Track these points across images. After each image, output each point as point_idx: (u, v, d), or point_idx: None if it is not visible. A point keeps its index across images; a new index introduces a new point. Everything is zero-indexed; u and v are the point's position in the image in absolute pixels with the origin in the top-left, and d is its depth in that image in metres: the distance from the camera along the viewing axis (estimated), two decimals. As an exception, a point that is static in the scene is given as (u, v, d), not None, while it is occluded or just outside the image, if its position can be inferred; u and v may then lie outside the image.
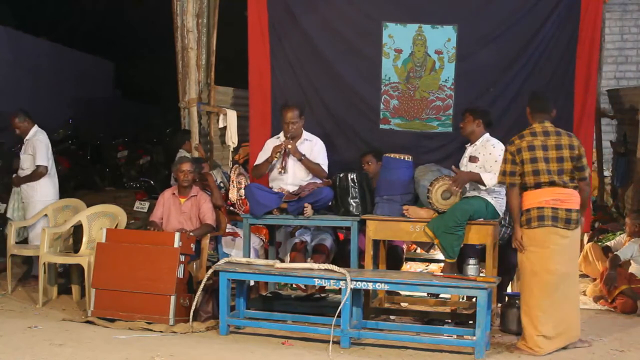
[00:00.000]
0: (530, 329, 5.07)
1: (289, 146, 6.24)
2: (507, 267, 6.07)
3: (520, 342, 5.15)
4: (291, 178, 6.31)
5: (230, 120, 8.01)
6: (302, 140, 6.37)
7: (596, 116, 6.95)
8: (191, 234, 6.12)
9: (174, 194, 6.51)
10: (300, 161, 6.27)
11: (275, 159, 6.28)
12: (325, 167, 6.34)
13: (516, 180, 5.17)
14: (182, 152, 7.86)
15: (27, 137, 7.33)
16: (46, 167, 7.24)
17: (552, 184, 5.08)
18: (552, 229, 5.05)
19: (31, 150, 7.25)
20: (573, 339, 5.16)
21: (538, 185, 5.10)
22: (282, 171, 6.28)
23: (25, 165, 7.31)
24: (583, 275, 7.62)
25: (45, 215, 7.02)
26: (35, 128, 7.35)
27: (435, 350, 5.14)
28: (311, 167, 6.29)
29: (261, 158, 6.43)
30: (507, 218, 6.23)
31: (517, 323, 5.57)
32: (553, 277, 5.05)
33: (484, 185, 5.68)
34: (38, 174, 7.20)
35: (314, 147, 6.37)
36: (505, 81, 6.70)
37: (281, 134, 6.39)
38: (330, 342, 5.05)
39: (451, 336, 5.34)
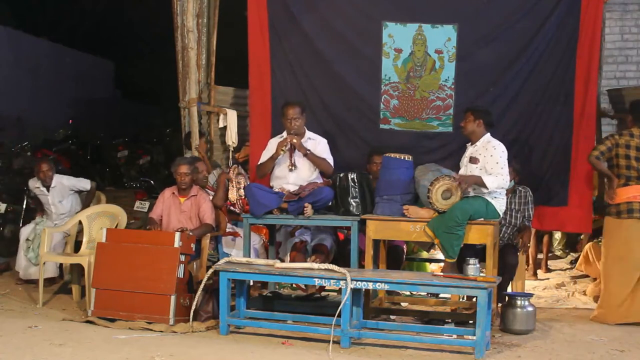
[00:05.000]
0: (606, 302, 5.98)
1: (294, 141, 6.23)
2: (507, 267, 6.07)
3: (595, 314, 6.06)
4: (293, 178, 6.31)
5: (230, 120, 8.00)
6: (305, 139, 6.36)
7: (596, 116, 6.93)
8: (190, 233, 6.12)
9: (173, 193, 6.52)
10: (305, 156, 6.27)
11: (282, 153, 6.27)
12: (331, 163, 6.34)
13: (601, 158, 6.02)
14: (188, 153, 7.83)
15: (52, 185, 7.27)
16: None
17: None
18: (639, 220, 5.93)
19: (69, 192, 7.32)
20: None
21: (628, 179, 5.96)
22: (292, 167, 6.28)
23: (65, 210, 7.32)
24: (583, 275, 7.64)
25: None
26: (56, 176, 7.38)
27: (436, 350, 5.14)
28: (317, 161, 6.29)
29: (265, 156, 6.43)
30: (507, 218, 6.24)
31: (518, 323, 5.60)
32: (635, 262, 5.89)
33: (486, 188, 5.68)
34: (95, 191, 7.55)
35: (317, 146, 6.37)
36: (506, 81, 6.70)
37: (284, 133, 6.39)
38: (331, 342, 5.05)
39: (451, 336, 5.34)
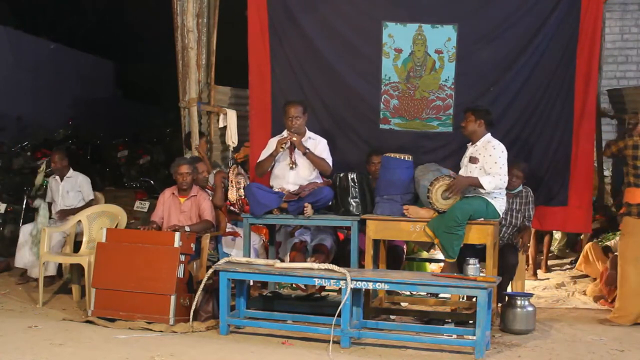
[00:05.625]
0: (624, 303, 5.86)
1: (294, 139, 6.23)
2: (507, 267, 6.07)
3: (611, 315, 5.96)
4: (293, 177, 6.31)
5: (230, 120, 8.00)
6: (305, 138, 6.37)
7: (596, 116, 6.93)
8: (187, 228, 6.12)
9: (173, 193, 6.52)
10: (305, 155, 6.27)
11: (282, 150, 6.26)
12: (330, 163, 6.34)
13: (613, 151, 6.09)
14: (188, 153, 7.83)
15: (68, 175, 7.46)
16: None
17: None
18: None
19: (78, 187, 7.44)
20: None
21: None
22: (293, 165, 6.28)
23: (70, 202, 7.40)
24: (583, 275, 7.64)
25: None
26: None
27: (436, 350, 5.14)
28: (316, 161, 6.29)
29: (264, 155, 6.43)
30: (508, 218, 6.24)
31: (518, 323, 5.60)
32: None
33: (483, 189, 5.68)
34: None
35: (317, 146, 6.37)
36: (506, 81, 6.69)
37: (284, 133, 6.39)
38: (331, 342, 5.05)
39: (451, 336, 5.34)
